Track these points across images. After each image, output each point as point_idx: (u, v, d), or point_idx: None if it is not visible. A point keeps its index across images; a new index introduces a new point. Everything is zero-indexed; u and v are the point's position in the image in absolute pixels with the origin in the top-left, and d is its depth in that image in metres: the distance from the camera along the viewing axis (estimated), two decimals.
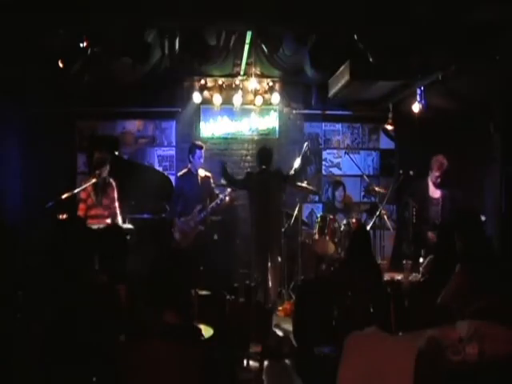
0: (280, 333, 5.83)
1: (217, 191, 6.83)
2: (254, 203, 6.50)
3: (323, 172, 8.25)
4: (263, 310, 3.94)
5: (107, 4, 4.75)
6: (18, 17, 4.82)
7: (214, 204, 6.56)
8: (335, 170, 8.26)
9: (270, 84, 7.88)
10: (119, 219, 5.95)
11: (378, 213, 6.55)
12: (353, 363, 2.74)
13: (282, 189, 6.66)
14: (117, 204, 5.99)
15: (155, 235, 6.63)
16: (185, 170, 6.80)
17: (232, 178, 6.63)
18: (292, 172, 6.66)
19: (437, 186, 6.36)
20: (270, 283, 6.33)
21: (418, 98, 6.30)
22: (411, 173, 6.40)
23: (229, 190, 6.67)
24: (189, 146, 6.98)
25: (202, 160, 6.70)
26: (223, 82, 7.84)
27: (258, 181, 6.46)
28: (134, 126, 8.05)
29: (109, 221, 5.87)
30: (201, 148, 6.68)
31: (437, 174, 6.28)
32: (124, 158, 7.44)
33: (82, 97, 7.26)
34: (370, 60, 5.33)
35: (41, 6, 4.70)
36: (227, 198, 6.60)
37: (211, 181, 6.83)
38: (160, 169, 7.94)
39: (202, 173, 6.75)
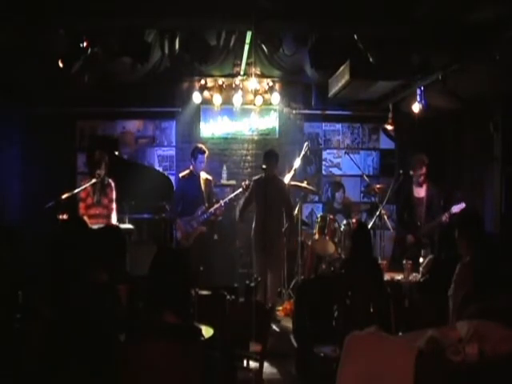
0: (280, 332, 5.85)
1: (218, 196, 6.85)
2: (258, 204, 6.55)
3: (323, 172, 8.25)
4: (263, 309, 3.94)
5: (107, 4, 4.75)
6: (18, 17, 4.83)
7: (217, 206, 6.59)
8: (335, 170, 8.26)
9: (270, 84, 7.88)
10: (114, 220, 5.96)
11: (377, 213, 6.55)
12: (353, 363, 2.74)
13: (284, 192, 6.64)
14: (114, 205, 6.00)
15: (155, 235, 6.64)
16: (187, 171, 6.80)
17: (243, 210, 6.66)
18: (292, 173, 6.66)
19: (421, 183, 6.34)
20: (268, 283, 6.35)
21: (418, 97, 6.29)
22: (411, 173, 6.39)
23: (232, 195, 6.70)
24: (191, 147, 6.98)
25: (203, 165, 6.72)
26: (223, 82, 7.84)
27: (261, 183, 6.51)
28: (133, 125, 8.05)
29: (107, 220, 5.88)
30: (203, 153, 6.68)
31: (420, 172, 6.28)
32: (124, 158, 7.45)
33: (82, 97, 7.25)
34: (370, 60, 5.33)
35: (42, 7, 4.71)
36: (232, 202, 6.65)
37: (212, 184, 6.86)
38: (160, 169, 7.94)
39: (203, 175, 6.77)
